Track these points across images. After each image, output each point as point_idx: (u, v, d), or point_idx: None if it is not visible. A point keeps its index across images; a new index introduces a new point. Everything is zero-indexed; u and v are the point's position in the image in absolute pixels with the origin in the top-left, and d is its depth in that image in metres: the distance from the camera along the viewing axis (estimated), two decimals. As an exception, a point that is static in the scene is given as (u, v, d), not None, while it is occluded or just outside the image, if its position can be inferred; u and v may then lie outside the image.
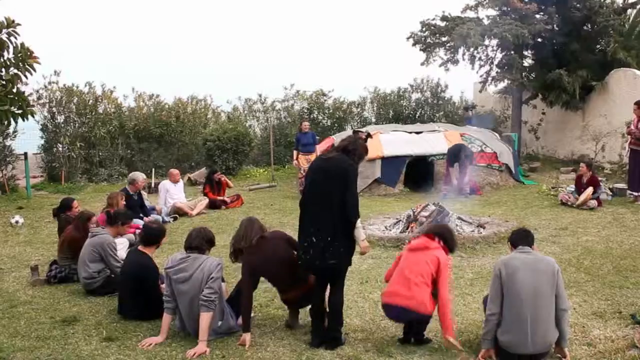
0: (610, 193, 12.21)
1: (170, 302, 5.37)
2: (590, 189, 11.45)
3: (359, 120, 21.75)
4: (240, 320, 5.44)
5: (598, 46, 18.15)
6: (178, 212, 11.76)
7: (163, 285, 5.70)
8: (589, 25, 17.60)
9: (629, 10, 18.18)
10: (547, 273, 4.71)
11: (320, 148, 15.94)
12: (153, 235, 6.23)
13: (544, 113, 18.84)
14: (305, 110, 21.13)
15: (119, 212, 7.70)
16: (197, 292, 5.20)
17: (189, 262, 5.33)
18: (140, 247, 6.22)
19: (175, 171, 12.65)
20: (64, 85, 16.92)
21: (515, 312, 4.65)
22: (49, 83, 16.59)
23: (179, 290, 5.29)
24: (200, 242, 5.47)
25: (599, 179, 12.37)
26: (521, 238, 5.06)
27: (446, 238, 5.40)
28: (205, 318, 5.12)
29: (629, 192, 11.96)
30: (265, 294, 6.50)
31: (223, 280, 5.60)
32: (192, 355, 4.98)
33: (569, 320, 5.06)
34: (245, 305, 5.31)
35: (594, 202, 11.31)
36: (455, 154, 13.77)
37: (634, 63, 16.68)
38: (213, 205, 12.58)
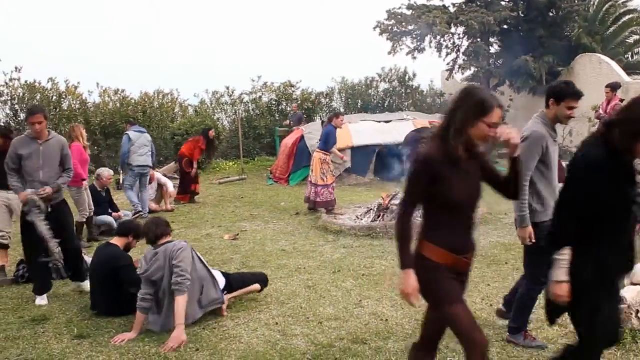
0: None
1: (147, 301, 5.25)
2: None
3: (327, 111, 21.72)
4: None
5: (564, 32, 18.37)
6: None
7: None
8: (554, 12, 17.80)
9: (593, -4, 18.44)
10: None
11: (290, 140, 15.89)
12: (125, 228, 6.16)
13: (511, 99, 19.01)
14: (274, 102, 21.06)
15: None
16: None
17: (160, 259, 5.22)
18: (111, 241, 6.14)
19: None
20: (26, 81, 16.62)
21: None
22: (10, 80, 16.30)
23: (170, 291, 5.18)
24: (156, 233, 5.40)
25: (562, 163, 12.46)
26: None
27: None
28: (179, 301, 5.04)
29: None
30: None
31: (200, 260, 5.56)
32: (170, 347, 4.88)
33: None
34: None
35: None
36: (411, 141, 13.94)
37: (598, 48, 16.93)
38: (191, 193, 12.66)
